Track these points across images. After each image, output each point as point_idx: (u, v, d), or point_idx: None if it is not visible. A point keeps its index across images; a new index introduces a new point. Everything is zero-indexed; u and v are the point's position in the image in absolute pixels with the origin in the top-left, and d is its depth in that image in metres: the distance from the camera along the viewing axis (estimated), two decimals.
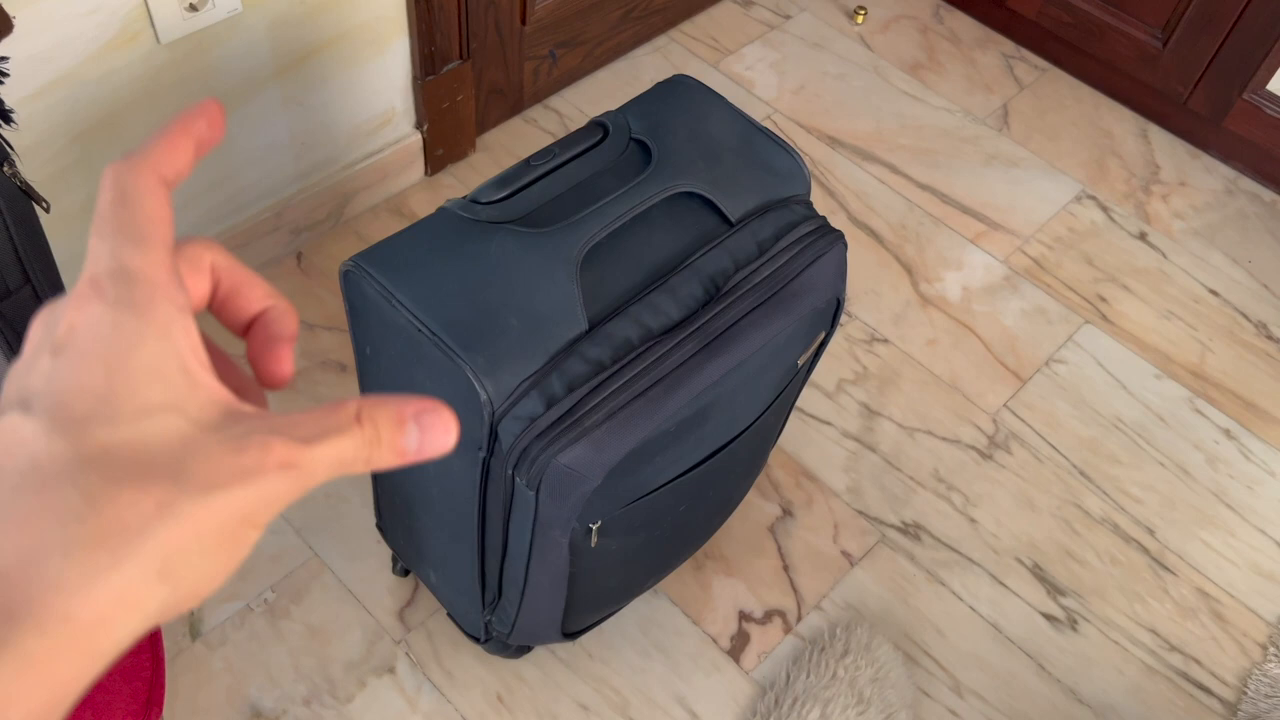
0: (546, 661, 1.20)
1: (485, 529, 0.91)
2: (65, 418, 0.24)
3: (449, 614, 1.17)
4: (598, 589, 1.01)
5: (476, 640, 1.13)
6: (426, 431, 0.28)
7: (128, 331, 0.25)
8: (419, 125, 1.56)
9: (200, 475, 0.25)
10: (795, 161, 0.96)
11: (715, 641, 1.23)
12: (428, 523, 1.01)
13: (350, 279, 0.84)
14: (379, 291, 0.82)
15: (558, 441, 0.79)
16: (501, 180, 0.89)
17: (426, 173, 1.62)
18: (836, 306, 0.97)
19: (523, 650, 1.17)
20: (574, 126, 1.74)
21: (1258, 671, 1.27)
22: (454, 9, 1.46)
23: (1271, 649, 1.28)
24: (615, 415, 0.81)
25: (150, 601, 0.24)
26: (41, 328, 0.27)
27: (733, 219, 0.91)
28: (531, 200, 0.88)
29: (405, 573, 1.23)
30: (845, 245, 0.94)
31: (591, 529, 0.87)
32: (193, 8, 1.19)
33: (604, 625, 1.22)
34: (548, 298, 0.82)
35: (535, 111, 1.75)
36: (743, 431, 0.95)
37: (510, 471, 0.81)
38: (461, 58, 1.53)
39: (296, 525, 1.27)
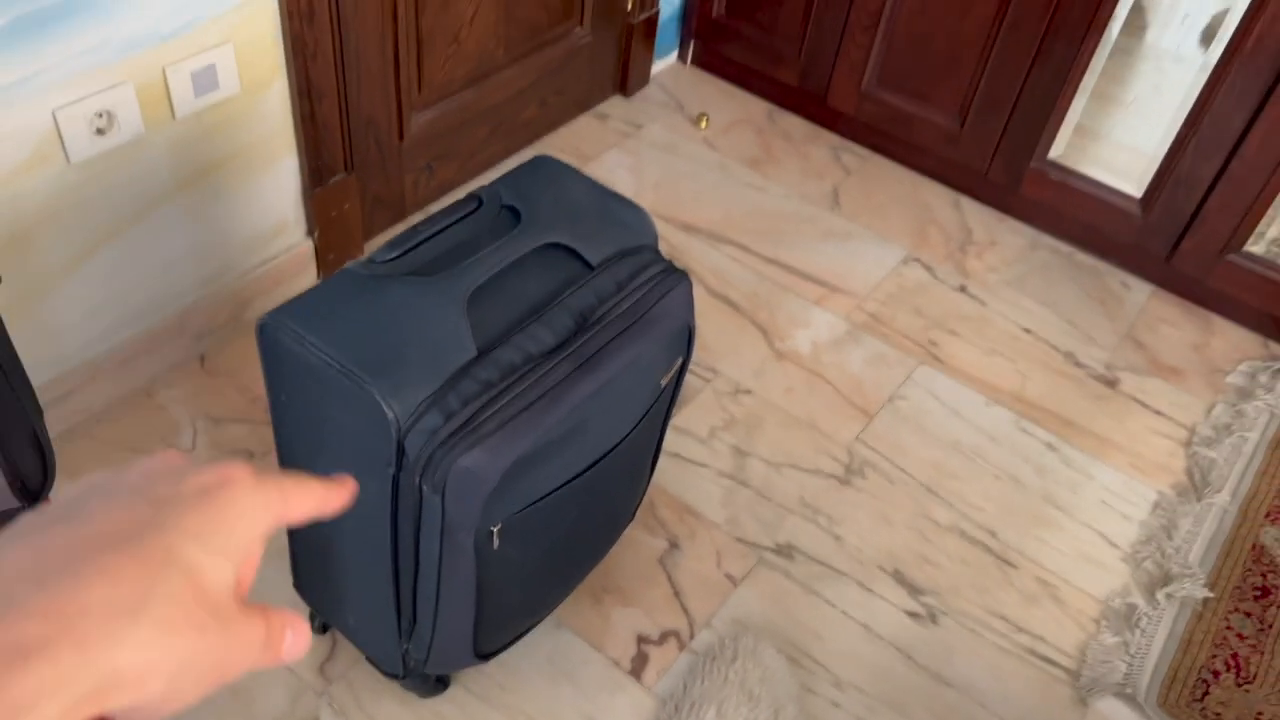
0: (462, 698, 1.29)
1: (398, 548, 1.02)
2: (175, 531, 0.33)
3: (368, 658, 1.26)
4: (505, 602, 1.13)
5: (396, 677, 1.22)
6: (297, 635, 0.38)
7: (253, 509, 0.36)
8: (310, 232, 1.70)
9: (228, 622, 0.33)
10: (642, 217, 1.14)
11: (617, 664, 1.34)
12: (344, 559, 1.11)
13: (266, 330, 0.97)
14: (293, 337, 0.95)
15: (457, 448, 0.92)
16: (394, 243, 1.04)
17: (319, 276, 1.76)
18: (689, 335, 1.14)
19: (441, 685, 1.26)
20: None
21: (1094, 642, 1.44)
22: (337, 127, 1.63)
23: (1103, 622, 1.46)
24: (506, 425, 0.95)
25: (152, 684, 0.31)
26: (182, 470, 0.36)
27: (594, 264, 1.07)
28: (421, 257, 1.03)
29: (324, 629, 1.32)
30: (690, 282, 1.12)
31: (493, 531, 1.00)
32: (100, 131, 1.32)
33: (515, 660, 1.32)
34: (441, 332, 0.96)
35: (417, 218, 1.92)
36: (619, 443, 1.09)
37: (418, 480, 0.94)
38: (346, 170, 1.70)
39: None
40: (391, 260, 1.02)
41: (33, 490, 0.85)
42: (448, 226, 1.07)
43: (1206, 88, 1.75)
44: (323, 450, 1.03)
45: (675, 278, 1.10)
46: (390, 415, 0.92)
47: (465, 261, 1.01)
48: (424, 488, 0.94)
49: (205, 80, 1.40)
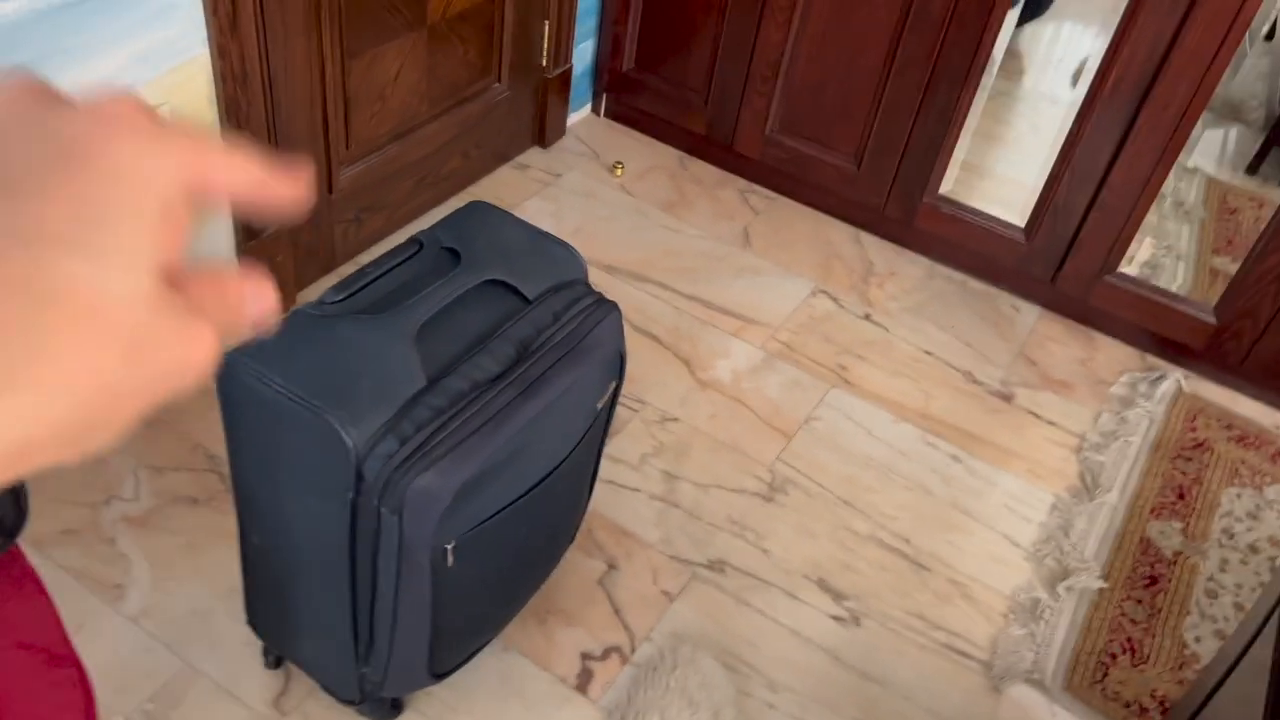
0: None
1: (355, 571, 1.08)
2: (35, 236, 0.23)
3: (323, 687, 1.30)
4: (459, 620, 1.19)
5: (352, 704, 1.26)
6: (259, 298, 0.29)
7: (144, 171, 0.24)
8: None
9: (145, 341, 0.24)
10: (572, 254, 1.23)
11: (564, 681, 1.41)
12: (300, 587, 1.16)
13: (226, 370, 1.03)
14: (252, 374, 1.01)
15: (412, 470, 0.99)
16: (342, 285, 1.11)
17: None
18: (621, 361, 1.23)
19: (395, 709, 1.31)
20: None
21: (1003, 634, 1.56)
22: None
23: (1011, 615, 1.58)
24: (457, 447, 1.02)
25: (46, 454, 0.24)
26: (39, 117, 0.25)
27: (530, 297, 1.16)
28: (369, 297, 1.11)
29: (277, 664, 1.35)
30: (620, 312, 1.21)
31: (448, 549, 1.06)
32: None
33: (466, 682, 1.37)
34: (392, 364, 1.04)
35: (347, 268, 1.98)
36: (561, 463, 1.17)
37: (376, 503, 1.00)
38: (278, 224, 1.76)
39: (165, 641, 1.37)
40: (340, 301, 1.10)
41: (8, 528, 0.89)
42: (392, 268, 1.15)
43: (1076, 125, 1.93)
44: (281, 484, 1.09)
45: (606, 308, 1.19)
46: (349, 442, 0.99)
47: (411, 299, 1.08)
48: (382, 510, 1.01)
49: None
